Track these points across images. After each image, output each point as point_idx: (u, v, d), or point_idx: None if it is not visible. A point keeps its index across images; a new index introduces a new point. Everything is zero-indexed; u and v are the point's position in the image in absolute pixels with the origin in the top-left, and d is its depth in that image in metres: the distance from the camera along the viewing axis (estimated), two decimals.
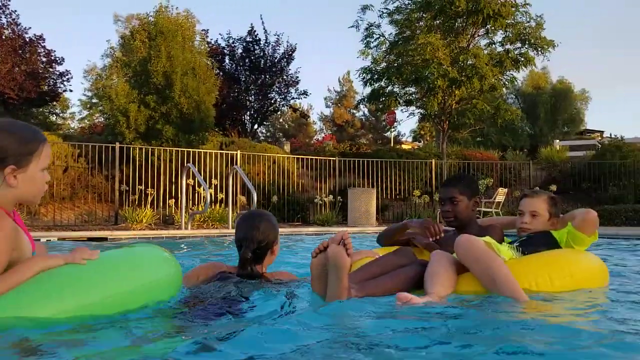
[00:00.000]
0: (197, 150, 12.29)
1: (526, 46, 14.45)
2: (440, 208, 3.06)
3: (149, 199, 11.22)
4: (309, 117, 31.91)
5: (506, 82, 15.43)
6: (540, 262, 2.57)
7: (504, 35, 14.78)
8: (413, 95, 15.85)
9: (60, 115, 28.24)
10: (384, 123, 30.08)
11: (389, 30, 18.31)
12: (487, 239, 2.49)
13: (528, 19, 14.40)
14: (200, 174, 11.30)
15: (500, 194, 12.56)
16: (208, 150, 12.53)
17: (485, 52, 14.82)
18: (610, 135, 19.02)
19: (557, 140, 21.28)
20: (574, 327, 1.77)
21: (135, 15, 22.23)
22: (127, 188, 11.43)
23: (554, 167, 15.84)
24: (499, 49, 15.06)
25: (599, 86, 55.36)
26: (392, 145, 23.82)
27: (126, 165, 11.59)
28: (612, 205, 13.01)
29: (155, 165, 11.78)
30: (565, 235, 2.81)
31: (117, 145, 11.38)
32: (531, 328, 1.76)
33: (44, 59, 17.26)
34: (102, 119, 16.15)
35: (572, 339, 1.60)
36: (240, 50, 18.72)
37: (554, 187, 13.85)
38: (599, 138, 19.35)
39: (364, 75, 15.59)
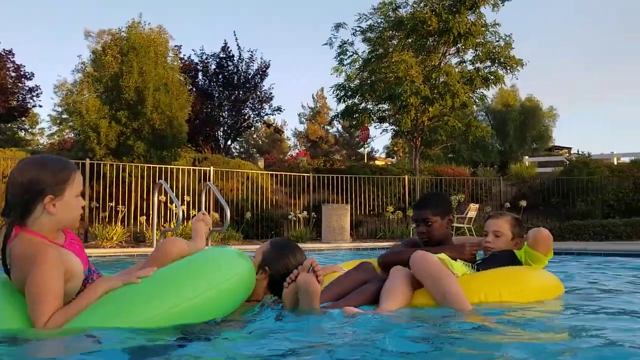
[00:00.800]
0: (169, 166, 12.17)
1: (496, 65, 14.75)
2: (416, 229, 3.10)
3: (120, 216, 11.05)
4: (282, 132, 31.96)
5: (477, 100, 15.71)
6: (491, 277, 2.67)
7: (474, 54, 15.08)
8: (386, 112, 16.00)
9: (29, 130, 27.72)
10: (358, 139, 30.29)
11: (362, 47, 18.52)
12: (442, 255, 2.59)
13: (497, 39, 14.73)
14: (173, 191, 11.17)
15: (472, 210, 12.72)
16: (180, 167, 12.42)
17: (457, 70, 15.09)
18: (578, 151, 19.48)
19: (527, 157, 21.69)
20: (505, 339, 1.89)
21: (107, 31, 22.09)
22: (97, 205, 11.24)
23: (524, 183, 16.12)
24: (470, 67, 15.35)
25: (566, 104, 56.80)
26: (365, 161, 23.96)
27: (96, 181, 11.39)
28: (580, 221, 13.28)
29: (127, 182, 11.62)
30: (523, 254, 2.90)
31: (88, 161, 11.20)
32: (470, 339, 1.89)
33: (13, 74, 16.98)
34: (72, 134, 15.91)
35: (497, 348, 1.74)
36: (213, 66, 18.69)
37: (523, 203, 14.07)
38: (567, 154, 19.81)
39: (338, 92, 15.71)
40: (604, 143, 73.86)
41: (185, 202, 11.51)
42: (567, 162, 16.77)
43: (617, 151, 19.24)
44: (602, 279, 4.30)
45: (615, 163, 17.66)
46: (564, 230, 13.01)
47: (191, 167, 12.74)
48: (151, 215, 9.89)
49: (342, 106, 16.07)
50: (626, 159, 17.96)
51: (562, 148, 27.83)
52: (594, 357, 1.64)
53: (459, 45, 14.72)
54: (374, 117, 16.03)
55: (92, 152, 12.24)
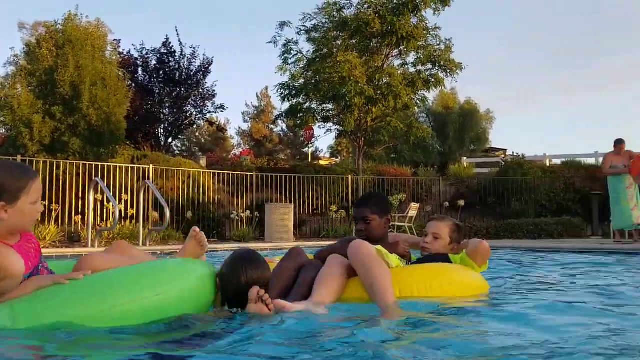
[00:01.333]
0: (106, 164, 11.77)
1: (436, 68, 15.11)
2: (355, 227, 3.17)
3: (54, 215, 10.61)
4: (226, 131, 31.57)
5: (418, 102, 16.04)
6: (423, 271, 2.79)
7: (416, 57, 15.39)
8: (330, 112, 16.10)
9: None
10: (302, 139, 30.31)
11: (306, 47, 18.53)
12: (379, 247, 2.65)
13: (438, 42, 15.09)
14: (110, 189, 10.82)
15: (413, 209, 12.97)
16: (118, 164, 12.04)
17: (399, 72, 15.36)
18: (513, 153, 20.19)
19: (465, 158, 22.31)
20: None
21: (42, 23, 21.13)
22: None
23: (462, 183, 16.59)
24: (412, 69, 15.65)
25: (502, 106, 58.90)
26: (310, 160, 24.00)
27: None
28: (514, 220, 13.80)
29: (61, 180, 11.16)
30: (459, 260, 2.99)
31: (19, 158, 10.70)
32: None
33: None
34: (3, 130, 15.13)
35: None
36: (154, 62, 18.22)
37: (461, 202, 14.49)
38: (503, 156, 20.48)
39: (282, 91, 15.67)
40: (538, 145, 77.13)
41: (123, 200, 11.17)
42: (503, 163, 17.34)
43: (549, 153, 20.08)
44: (532, 274, 4.48)
45: (548, 164, 18.42)
46: (499, 229, 13.49)
47: (129, 165, 12.37)
48: (87, 215, 9.55)
49: (286, 105, 16.07)
50: (558, 161, 18.76)
51: (498, 150, 28.82)
52: (525, 347, 1.69)
53: (401, 47, 14.98)
54: (318, 117, 16.09)
55: (24, 148, 11.70)
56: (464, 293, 2.77)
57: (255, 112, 36.64)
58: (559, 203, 14.90)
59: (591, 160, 18.00)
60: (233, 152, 33.42)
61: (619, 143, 9.51)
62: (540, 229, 13.27)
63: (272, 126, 35.49)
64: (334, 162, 23.65)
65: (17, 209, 2.04)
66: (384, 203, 3.23)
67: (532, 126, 55.74)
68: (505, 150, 27.93)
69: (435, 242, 3.07)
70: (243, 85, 61.58)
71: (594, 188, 14.24)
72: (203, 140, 34.04)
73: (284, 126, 34.48)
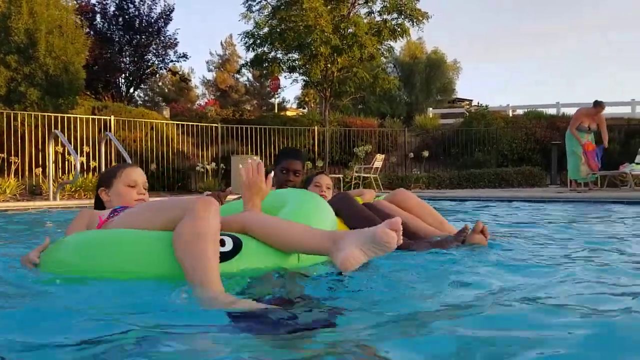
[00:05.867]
0: (65, 115, 11.47)
1: (402, 17, 14.97)
2: (282, 177, 3.33)
3: (13, 167, 10.37)
4: (189, 81, 30.90)
5: (384, 52, 15.95)
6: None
7: (382, 5, 15.19)
8: (296, 62, 15.88)
9: None
10: (269, 89, 29.93)
11: None
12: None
13: None
14: (71, 141, 10.60)
15: (378, 160, 13.11)
16: (78, 116, 11.75)
17: (365, 21, 15.17)
18: (478, 104, 20.42)
19: (430, 109, 22.48)
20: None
21: None
22: None
23: (427, 134, 16.78)
24: (378, 18, 15.47)
25: (469, 56, 59.01)
26: (276, 111, 23.80)
27: None
28: (477, 170, 14.11)
29: (19, 132, 10.85)
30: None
31: None
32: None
33: None
34: None
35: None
36: (112, 8, 17.55)
37: (426, 153, 14.72)
38: (468, 106, 20.67)
39: (247, 39, 15.34)
40: (503, 96, 77.99)
41: (85, 153, 10.97)
42: (467, 114, 17.55)
43: (513, 104, 20.39)
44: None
45: (511, 115, 18.74)
46: (461, 179, 13.80)
47: (90, 116, 12.08)
48: (47, 167, 9.37)
49: (251, 55, 15.77)
50: (521, 112, 19.08)
51: (464, 100, 29.03)
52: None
53: None
54: (284, 67, 15.87)
55: None
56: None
57: (220, 61, 35.85)
58: (519, 153, 15.28)
59: (552, 111, 18.38)
60: (198, 102, 32.86)
61: (598, 105, 9.39)
62: (500, 178, 13.63)
63: (238, 76, 34.84)
64: (301, 113, 23.50)
65: (114, 191, 2.51)
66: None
67: (498, 77, 56.22)
68: (471, 101, 28.13)
69: (328, 192, 3.54)
70: (207, 33, 59.98)
71: (553, 138, 14.59)
72: (166, 90, 33.26)
73: (250, 76, 33.92)
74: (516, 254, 2.72)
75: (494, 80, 55.86)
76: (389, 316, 1.57)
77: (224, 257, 1.88)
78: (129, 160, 8.35)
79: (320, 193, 3.49)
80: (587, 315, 1.51)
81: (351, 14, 15.19)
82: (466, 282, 1.99)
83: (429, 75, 30.15)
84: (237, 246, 1.95)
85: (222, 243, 1.90)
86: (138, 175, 2.56)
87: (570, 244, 3.18)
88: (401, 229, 1.76)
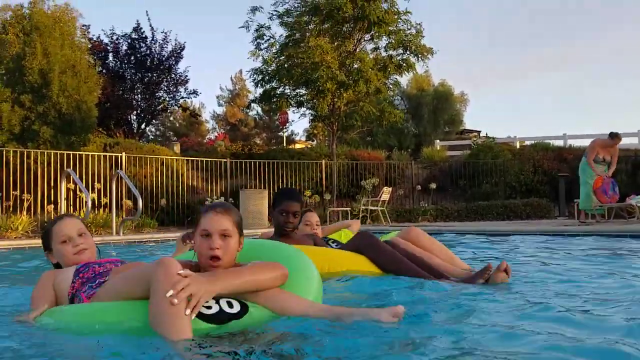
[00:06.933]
0: (77, 152, 11.70)
1: (407, 52, 15.22)
2: (283, 219, 3.41)
3: (25, 205, 10.55)
4: (199, 116, 31.33)
5: (390, 86, 16.17)
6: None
7: (387, 42, 15.47)
8: (304, 97, 16.12)
9: None
10: (277, 123, 30.27)
11: (279, 31, 18.46)
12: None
13: (409, 27, 15.18)
14: (82, 178, 10.81)
15: (385, 193, 13.18)
16: (90, 153, 11.98)
17: (371, 57, 15.44)
18: (486, 134, 20.52)
19: (438, 141, 22.60)
20: None
21: (9, 7, 20.59)
22: (0, 194, 10.66)
23: (434, 166, 16.86)
24: (384, 54, 15.73)
25: (476, 88, 59.43)
26: (285, 144, 24.04)
27: None
28: (484, 202, 14.12)
29: (32, 169, 11.08)
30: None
31: None
32: None
33: None
34: None
35: None
36: (125, 47, 18.01)
37: (433, 185, 14.77)
38: (475, 138, 20.78)
39: (255, 76, 15.65)
40: (512, 127, 78.00)
41: (96, 189, 11.15)
42: (474, 145, 17.64)
43: (520, 135, 20.48)
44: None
45: (518, 147, 18.80)
46: (469, 211, 13.81)
47: (101, 153, 12.31)
48: (59, 204, 9.54)
49: (260, 90, 16.05)
50: (528, 143, 19.14)
51: (472, 131, 29.14)
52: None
53: (372, 32, 15.05)
54: (292, 102, 16.12)
55: None
56: None
57: (230, 95, 36.40)
58: (527, 185, 15.28)
59: (559, 142, 18.43)
60: (208, 136, 33.25)
61: (615, 137, 9.42)
62: (509, 210, 13.62)
63: (248, 110, 35.30)
64: (310, 145, 23.72)
65: (54, 254, 2.54)
66: None
67: (506, 109, 56.44)
68: (479, 131, 28.26)
69: (318, 228, 3.84)
70: (217, 69, 61.04)
71: (561, 169, 14.61)
72: (178, 125, 33.75)
73: (260, 110, 34.35)
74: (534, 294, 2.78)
75: (502, 111, 56.10)
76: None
77: (234, 317, 1.98)
78: (138, 197, 8.50)
79: (312, 230, 3.75)
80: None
81: (357, 50, 15.47)
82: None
83: (437, 107, 30.35)
84: (244, 306, 2.04)
85: (230, 305, 1.99)
86: (67, 227, 2.52)
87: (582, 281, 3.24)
88: (402, 317, 1.94)
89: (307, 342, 1.81)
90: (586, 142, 13.30)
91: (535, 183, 15.25)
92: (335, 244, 3.81)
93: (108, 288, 2.15)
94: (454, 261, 3.46)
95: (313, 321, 1.99)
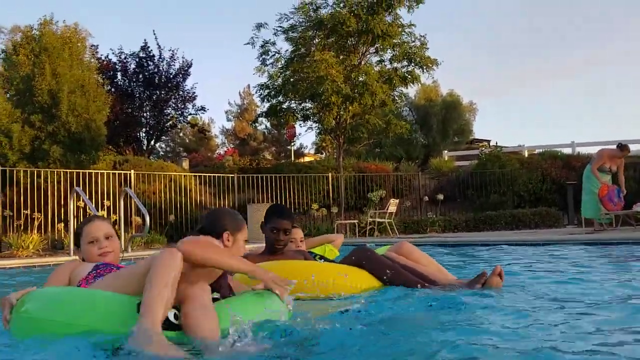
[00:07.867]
0: (87, 171, 11.87)
1: (412, 64, 15.30)
2: (274, 236, 3.46)
3: (36, 223, 10.70)
4: (208, 132, 31.58)
5: (396, 98, 16.24)
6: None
7: (392, 54, 15.57)
8: (310, 111, 16.25)
9: None
10: (285, 137, 30.43)
11: (285, 46, 18.65)
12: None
13: (413, 39, 15.28)
14: (92, 195, 10.95)
15: (393, 205, 13.19)
16: (99, 171, 12.14)
17: (376, 69, 15.54)
18: (496, 144, 20.47)
19: (445, 151, 22.59)
20: None
21: (20, 28, 21.00)
22: (11, 213, 10.83)
23: (443, 176, 16.85)
24: (389, 66, 15.83)
25: (485, 96, 59.34)
26: (293, 158, 24.17)
27: (10, 188, 10.98)
28: (493, 212, 14.07)
29: (42, 188, 11.25)
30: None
31: None
32: None
33: None
34: None
35: None
36: (133, 66, 18.28)
37: (441, 196, 14.76)
38: (483, 147, 20.74)
39: (261, 91, 15.82)
40: (520, 136, 77.69)
41: (105, 207, 11.28)
42: (482, 155, 17.58)
43: (528, 144, 20.43)
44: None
45: (526, 156, 18.73)
46: (478, 221, 13.77)
47: (110, 171, 12.47)
48: (70, 222, 9.66)
49: (266, 105, 16.21)
50: (537, 151, 19.07)
51: (481, 141, 29.06)
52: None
53: (377, 45, 15.17)
54: (298, 116, 16.25)
55: (4, 157, 11.75)
56: None
57: (239, 110, 36.66)
58: (536, 193, 15.21)
59: (567, 150, 18.35)
60: (217, 151, 33.47)
61: (624, 149, 9.46)
62: (517, 220, 13.56)
63: (256, 124, 35.51)
64: (318, 158, 23.82)
65: (81, 251, 2.65)
66: None
67: (515, 117, 56.26)
68: (489, 141, 28.17)
69: (302, 244, 3.89)
70: (225, 84, 61.48)
71: (569, 178, 14.53)
72: (187, 140, 34.00)
73: (268, 123, 34.53)
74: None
75: (512, 120, 55.92)
76: None
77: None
78: (145, 214, 8.59)
79: (296, 247, 3.81)
80: None
81: (362, 63, 15.59)
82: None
83: (445, 118, 30.29)
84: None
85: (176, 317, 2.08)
86: (96, 229, 2.59)
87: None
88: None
89: (309, 343, 1.94)
90: (594, 150, 13.23)
91: (543, 192, 15.17)
92: (322, 259, 3.83)
93: (101, 282, 2.27)
94: (444, 274, 3.54)
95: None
